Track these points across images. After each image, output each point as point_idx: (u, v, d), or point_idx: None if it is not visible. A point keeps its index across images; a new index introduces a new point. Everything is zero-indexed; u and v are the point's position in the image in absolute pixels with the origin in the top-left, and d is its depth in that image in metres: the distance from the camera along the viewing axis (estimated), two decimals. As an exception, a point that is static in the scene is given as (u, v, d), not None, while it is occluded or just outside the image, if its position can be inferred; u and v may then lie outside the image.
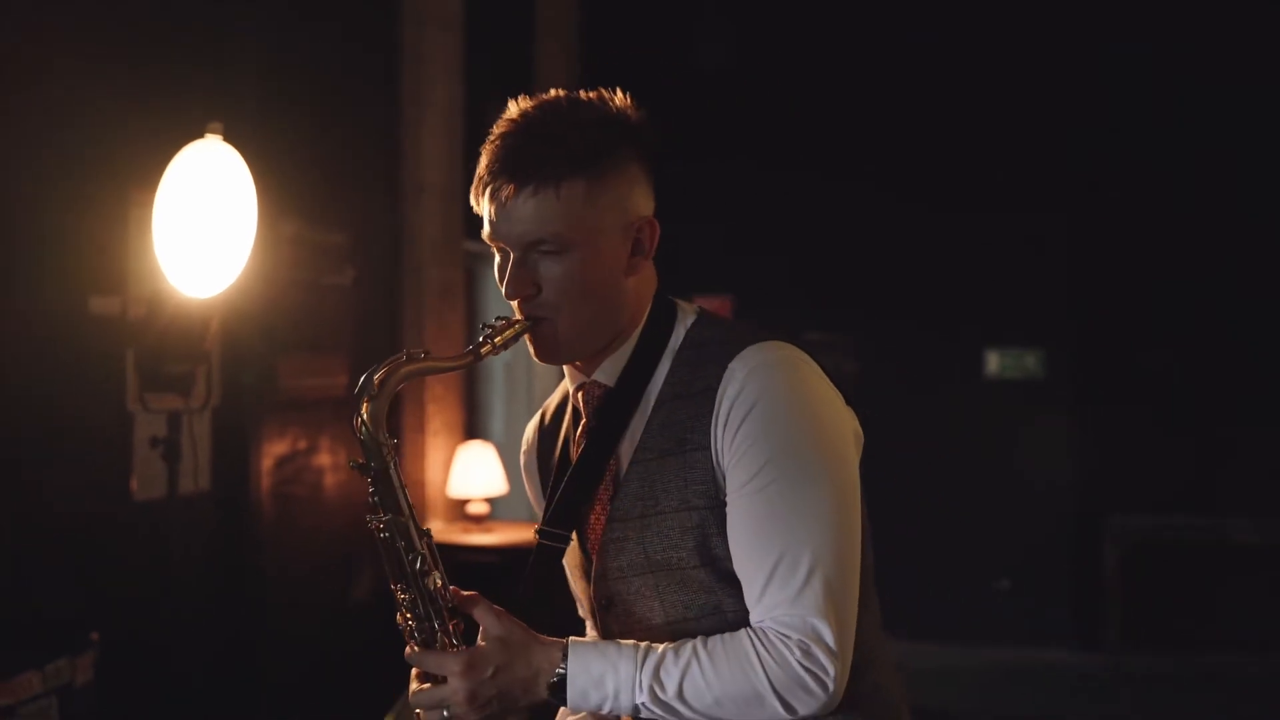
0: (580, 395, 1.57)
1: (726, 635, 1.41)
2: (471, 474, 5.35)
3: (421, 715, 1.47)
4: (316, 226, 4.52)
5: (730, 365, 1.44)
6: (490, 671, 1.40)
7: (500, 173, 1.44)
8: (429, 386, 5.38)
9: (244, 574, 4.27)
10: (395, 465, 1.45)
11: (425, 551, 1.45)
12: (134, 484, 3.83)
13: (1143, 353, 6.73)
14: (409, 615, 1.46)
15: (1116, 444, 6.67)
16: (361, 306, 5.08)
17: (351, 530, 4.97)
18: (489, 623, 1.44)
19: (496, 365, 6.64)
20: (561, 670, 1.40)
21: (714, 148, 7.01)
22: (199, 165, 2.89)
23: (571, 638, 1.45)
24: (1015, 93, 6.75)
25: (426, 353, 1.46)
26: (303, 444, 4.69)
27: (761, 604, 1.39)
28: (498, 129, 1.48)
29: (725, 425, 1.42)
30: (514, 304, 1.49)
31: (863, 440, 1.52)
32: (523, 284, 1.46)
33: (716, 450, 1.43)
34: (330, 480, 4.85)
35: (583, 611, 1.65)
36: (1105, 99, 6.74)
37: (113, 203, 3.83)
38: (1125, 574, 6.24)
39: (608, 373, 1.53)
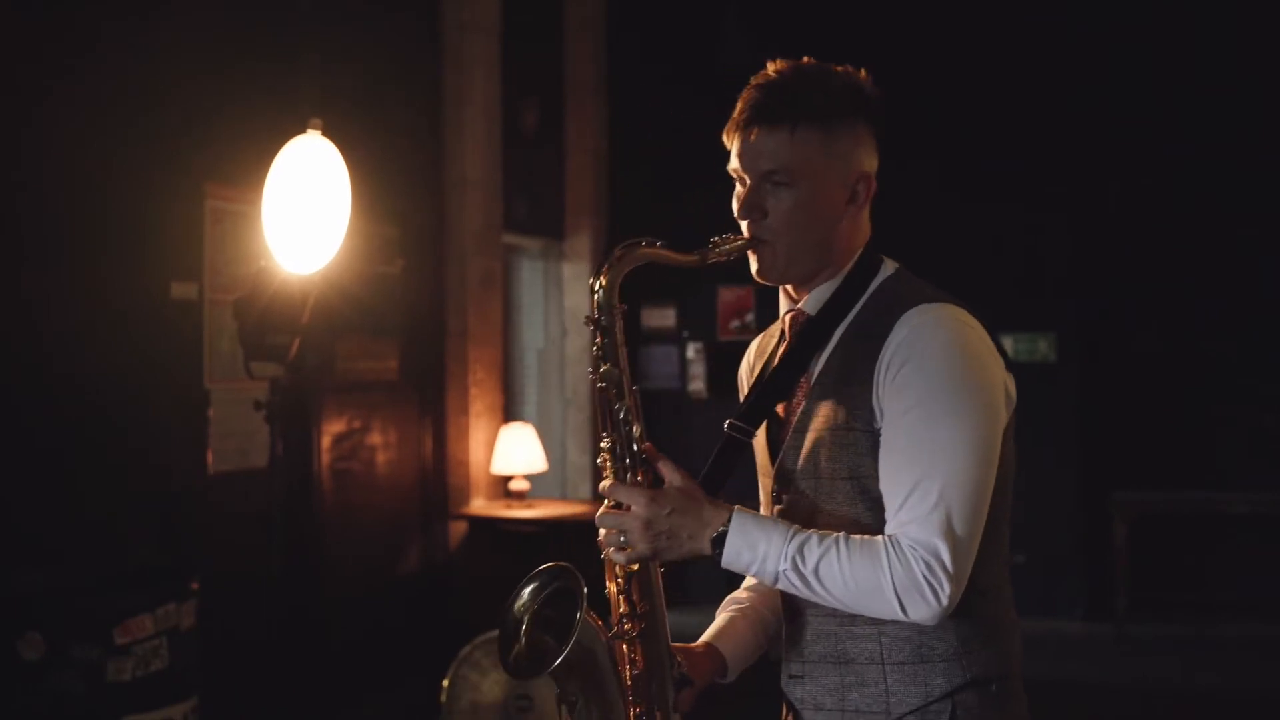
0: (788, 319, 1.80)
1: (865, 536, 1.60)
2: (513, 453, 5.62)
3: (601, 536, 1.67)
4: (369, 219, 4.81)
5: (903, 317, 1.66)
6: (668, 510, 1.62)
7: (752, 115, 1.70)
8: (471, 370, 5.67)
9: (307, 539, 4.58)
10: (620, 323, 1.71)
11: (631, 404, 1.69)
12: (210, 456, 4.15)
13: (1147, 339, 7.00)
14: (608, 456, 1.70)
15: (1123, 423, 6.95)
16: (409, 293, 5.38)
17: (402, 505, 5.28)
18: (673, 476, 1.66)
19: (530, 354, 6.92)
20: (724, 528, 1.62)
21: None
22: (302, 156, 3.18)
23: (738, 506, 1.65)
24: (1025, 95, 6.96)
25: (662, 242, 1.71)
26: (358, 423, 4.99)
27: (896, 519, 1.60)
28: (755, 80, 1.72)
29: (886, 368, 1.64)
30: (744, 224, 1.73)
31: (1014, 399, 1.73)
32: (754, 207, 1.71)
33: (877, 385, 1.64)
34: (382, 458, 5.15)
35: (762, 506, 1.85)
36: (1106, 101, 6.97)
37: (191, 196, 4.15)
38: (1132, 546, 6.46)
39: (812, 303, 1.76)
